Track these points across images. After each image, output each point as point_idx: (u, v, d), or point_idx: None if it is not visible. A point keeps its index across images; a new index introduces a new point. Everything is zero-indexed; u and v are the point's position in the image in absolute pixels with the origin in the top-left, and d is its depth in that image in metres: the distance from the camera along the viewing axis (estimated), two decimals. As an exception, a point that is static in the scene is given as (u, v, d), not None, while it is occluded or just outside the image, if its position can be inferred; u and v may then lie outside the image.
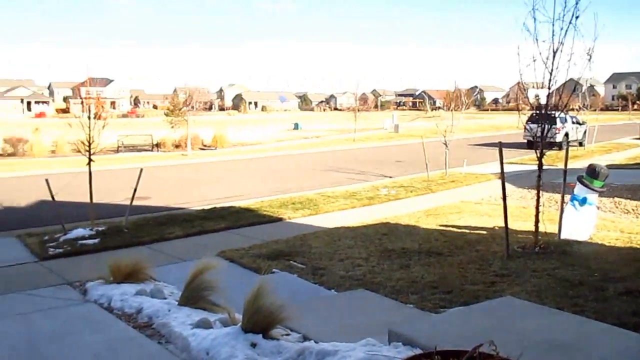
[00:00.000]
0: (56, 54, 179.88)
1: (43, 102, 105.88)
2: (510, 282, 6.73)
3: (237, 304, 5.18)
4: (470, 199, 13.70)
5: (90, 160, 10.45)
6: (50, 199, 10.29)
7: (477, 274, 7.17)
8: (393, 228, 10.42)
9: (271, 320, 4.72)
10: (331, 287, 6.94)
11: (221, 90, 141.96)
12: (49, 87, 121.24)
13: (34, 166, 23.29)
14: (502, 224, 8.45)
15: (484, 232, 9.80)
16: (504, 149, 8.56)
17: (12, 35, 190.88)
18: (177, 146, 32.33)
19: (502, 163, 8.50)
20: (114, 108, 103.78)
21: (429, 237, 9.51)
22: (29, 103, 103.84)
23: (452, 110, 20.02)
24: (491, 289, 6.49)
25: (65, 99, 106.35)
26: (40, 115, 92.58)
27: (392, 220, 11.27)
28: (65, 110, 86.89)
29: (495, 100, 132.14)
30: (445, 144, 18.15)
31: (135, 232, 10.32)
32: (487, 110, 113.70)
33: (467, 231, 9.98)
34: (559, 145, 24.55)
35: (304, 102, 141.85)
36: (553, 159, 17.04)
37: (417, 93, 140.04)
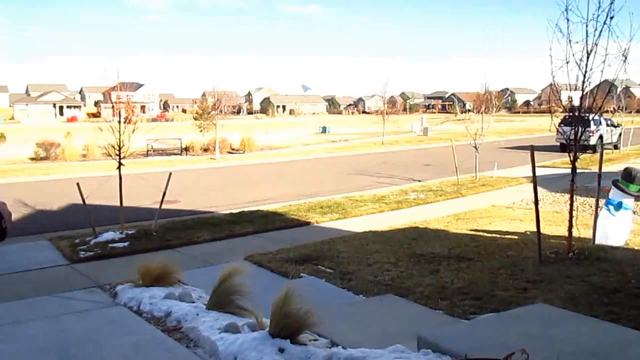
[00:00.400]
0: (88, 60, 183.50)
1: (75, 107, 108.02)
2: (543, 289, 6.61)
3: (264, 309, 5.19)
4: (501, 203, 13.53)
5: (120, 164, 10.62)
6: (81, 202, 10.49)
7: (509, 279, 7.07)
8: (422, 232, 10.34)
9: (299, 325, 4.72)
10: (359, 292, 6.91)
11: (249, 94, 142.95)
12: (80, 92, 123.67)
13: (66, 170, 23.77)
14: (534, 229, 8.32)
15: (516, 237, 9.67)
16: (535, 152, 8.43)
17: (46, 41, 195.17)
18: (205, 150, 32.61)
19: (534, 166, 8.38)
20: (143, 112, 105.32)
21: (459, 241, 9.41)
22: (61, 107, 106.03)
23: (482, 113, 19.72)
24: (523, 295, 6.39)
25: (97, 104, 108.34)
26: (72, 119, 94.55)
27: (421, 224, 11.19)
28: (96, 115, 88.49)
29: (527, 103, 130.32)
30: (476, 147, 17.96)
31: (164, 235, 10.43)
32: (519, 112, 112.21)
33: (498, 236, 9.86)
34: (592, 148, 24.08)
35: (332, 105, 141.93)
36: (587, 163, 16.72)
37: (446, 96, 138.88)
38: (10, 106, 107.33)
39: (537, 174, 8.46)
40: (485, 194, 15.38)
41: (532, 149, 8.42)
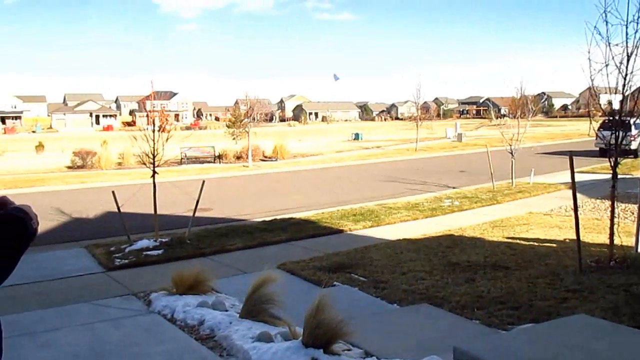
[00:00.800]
0: (123, 70, 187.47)
1: (110, 116, 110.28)
2: (584, 299, 6.44)
3: (297, 317, 5.18)
4: (539, 210, 13.28)
5: (154, 172, 10.76)
6: (116, 210, 10.66)
7: (547, 289, 6.91)
8: (457, 240, 10.21)
9: (332, 335, 4.69)
10: (393, 301, 6.84)
11: (282, 101, 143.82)
12: (116, 101, 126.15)
13: (102, 178, 24.23)
14: (574, 237, 8.13)
15: (554, 245, 9.46)
16: (574, 158, 8.26)
17: (83, 51, 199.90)
18: (238, 157, 32.88)
19: (572, 172, 8.19)
20: (177, 120, 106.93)
21: (495, 249, 9.26)
22: (97, 117, 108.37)
23: (518, 117, 19.42)
24: (562, 305, 6.24)
25: (132, 112, 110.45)
26: (108, 128, 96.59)
27: (456, 232, 11.05)
28: (131, 124, 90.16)
29: (564, 107, 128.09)
30: (512, 153, 17.68)
31: (198, 243, 10.52)
32: (556, 117, 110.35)
33: (535, 244, 9.66)
34: (634, 154, 23.45)
35: (365, 111, 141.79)
36: (628, 168, 16.28)
37: (481, 101, 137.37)
38: (49, 115, 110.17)
39: (576, 180, 8.28)
40: (522, 200, 15.12)
41: (571, 154, 8.26)
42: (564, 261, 8.21)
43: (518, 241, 9.93)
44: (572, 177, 8.20)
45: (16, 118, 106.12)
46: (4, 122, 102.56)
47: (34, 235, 1.73)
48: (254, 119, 33.65)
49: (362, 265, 8.49)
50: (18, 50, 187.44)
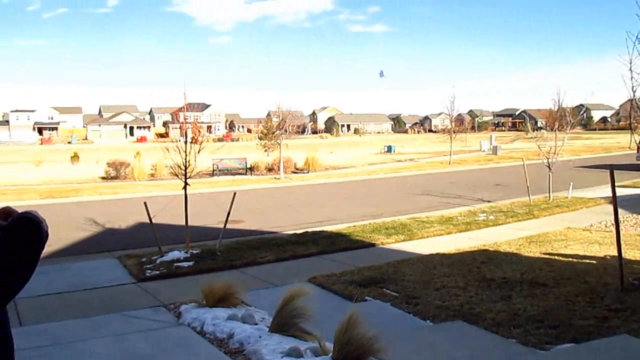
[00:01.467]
0: (157, 81, 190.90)
1: (144, 127, 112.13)
2: (626, 318, 6.23)
3: (328, 333, 5.12)
4: (578, 226, 12.96)
5: (186, 183, 10.86)
6: (148, 221, 10.78)
7: (587, 307, 6.70)
8: (492, 255, 10.02)
9: (363, 351, 4.62)
10: (426, 317, 6.72)
11: (314, 113, 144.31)
12: (150, 113, 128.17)
13: (134, 189, 24.60)
14: (615, 253, 7.91)
15: (594, 262, 9.21)
16: (615, 171, 8.04)
17: (118, 63, 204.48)
18: (270, 169, 33.06)
19: (613, 186, 7.98)
20: (210, 132, 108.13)
21: (532, 266, 9.05)
22: (131, 128, 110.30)
23: (555, 130, 19.09)
24: (604, 325, 6.04)
25: (165, 124, 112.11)
26: (141, 139, 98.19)
27: (491, 247, 10.85)
28: (164, 135, 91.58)
29: (604, 119, 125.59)
30: (549, 166, 17.36)
31: (228, 255, 10.55)
32: (595, 129, 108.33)
33: (574, 260, 9.42)
34: (678, 167, 22.84)
35: (398, 124, 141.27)
36: (672, 182, 15.85)
37: (516, 113, 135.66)
38: (84, 127, 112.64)
39: (617, 194, 8.06)
40: (560, 215, 14.80)
41: (612, 167, 8.05)
42: (604, 279, 7.97)
43: (556, 257, 9.69)
44: (613, 191, 7.98)
45: (53, 129, 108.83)
46: (41, 133, 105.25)
47: (47, 236, 1.78)
48: (285, 130, 33.78)
49: (394, 280, 8.39)
50: (56, 63, 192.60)
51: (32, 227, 1.73)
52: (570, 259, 9.50)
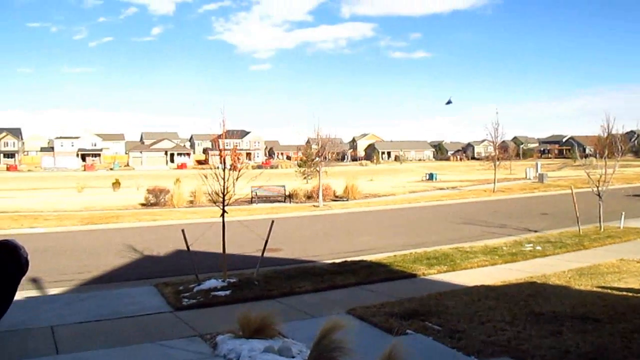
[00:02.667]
0: (198, 109, 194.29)
1: (185, 154, 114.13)
2: (687, 359, 5.91)
3: (367, 368, 4.98)
4: (632, 257, 12.49)
5: (223, 211, 10.90)
6: (185, 248, 10.84)
7: (644, 346, 6.39)
8: (540, 288, 9.70)
9: (404, 389, 4.47)
10: (471, 353, 6.50)
11: (354, 140, 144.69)
12: (190, 139, 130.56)
13: (173, 216, 24.89)
14: (673, 289, 7.55)
15: (650, 297, 8.82)
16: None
17: (160, 90, 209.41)
18: (308, 197, 33.09)
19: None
20: (249, 159, 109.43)
21: (584, 300, 8.72)
22: (172, 155, 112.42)
23: (605, 157, 18.63)
24: (662, 366, 5.74)
25: (205, 151, 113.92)
26: (182, 166, 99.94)
27: (539, 279, 10.53)
28: (203, 162, 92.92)
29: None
30: (599, 195, 16.88)
31: (265, 284, 10.50)
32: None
33: (629, 294, 9.04)
34: None
35: (439, 151, 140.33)
36: None
37: (563, 140, 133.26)
38: (126, 153, 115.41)
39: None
40: (612, 246, 14.32)
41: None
42: (662, 316, 7.61)
43: (609, 291, 9.32)
44: (670, 223, 7.66)
45: (96, 155, 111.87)
46: (84, 160, 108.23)
47: (27, 263, 1.79)
48: (325, 157, 33.85)
49: (436, 313, 8.18)
50: (100, 90, 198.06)
51: (13, 252, 1.76)
52: (624, 293, 9.13)
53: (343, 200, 32.90)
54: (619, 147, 19.18)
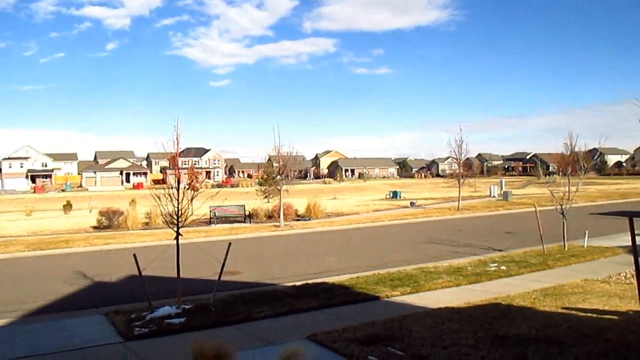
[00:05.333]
0: (154, 126, 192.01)
1: (141, 174, 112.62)
2: (652, 381, 5.95)
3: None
4: (596, 277, 12.68)
5: (178, 234, 10.67)
6: (138, 273, 10.55)
7: (610, 369, 6.42)
8: (505, 310, 9.73)
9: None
10: (434, 379, 6.44)
11: (317, 157, 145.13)
12: (147, 158, 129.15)
13: (127, 239, 24.35)
14: (637, 308, 7.65)
15: (615, 317, 8.91)
16: (634, 219, 7.84)
17: (114, 107, 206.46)
18: (269, 217, 32.86)
19: (633, 234, 7.79)
20: (209, 178, 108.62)
21: (548, 321, 8.76)
22: (127, 174, 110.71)
23: (568, 175, 19.02)
24: (628, 388, 5.76)
25: (163, 170, 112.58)
26: (138, 186, 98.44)
27: (504, 300, 10.57)
28: (161, 181, 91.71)
29: (619, 164, 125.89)
30: (563, 213, 17.16)
31: (223, 310, 10.28)
32: (609, 175, 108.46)
33: (593, 315, 9.12)
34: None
35: (403, 168, 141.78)
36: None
37: (527, 157, 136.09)
38: (79, 174, 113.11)
39: (637, 242, 7.85)
40: (576, 265, 14.51)
41: (631, 215, 7.86)
42: (627, 337, 7.68)
43: (574, 312, 9.40)
44: (633, 240, 7.79)
45: (47, 176, 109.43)
46: (34, 181, 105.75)
47: None
48: (287, 176, 33.72)
49: (399, 337, 8.11)
50: (52, 108, 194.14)
51: None
52: (589, 314, 9.21)
53: (305, 220, 32.77)
54: (582, 165, 19.61)
